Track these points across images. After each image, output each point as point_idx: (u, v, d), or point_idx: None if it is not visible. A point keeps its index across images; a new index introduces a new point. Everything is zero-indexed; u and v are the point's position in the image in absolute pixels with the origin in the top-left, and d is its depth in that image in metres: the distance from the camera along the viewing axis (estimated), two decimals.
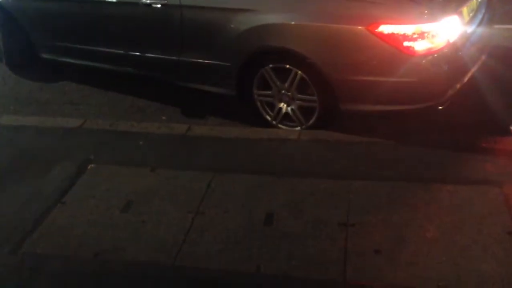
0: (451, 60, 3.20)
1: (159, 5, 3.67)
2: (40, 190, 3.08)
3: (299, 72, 3.36)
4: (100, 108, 4.23)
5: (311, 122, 3.52)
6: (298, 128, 3.57)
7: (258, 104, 3.66)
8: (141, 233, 2.70)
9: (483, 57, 3.60)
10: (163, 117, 4.01)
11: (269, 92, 3.57)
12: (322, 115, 3.45)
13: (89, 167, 3.29)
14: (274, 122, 3.66)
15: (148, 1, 3.69)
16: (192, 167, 3.21)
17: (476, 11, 3.54)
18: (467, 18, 3.37)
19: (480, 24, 3.54)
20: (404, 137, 3.36)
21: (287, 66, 3.39)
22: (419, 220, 2.61)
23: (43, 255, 2.61)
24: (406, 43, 3.05)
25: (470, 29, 3.40)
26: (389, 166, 3.08)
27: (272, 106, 3.64)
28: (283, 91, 3.52)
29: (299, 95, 3.48)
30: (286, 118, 3.62)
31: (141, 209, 2.88)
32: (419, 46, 3.07)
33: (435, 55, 3.12)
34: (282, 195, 2.88)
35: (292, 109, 3.56)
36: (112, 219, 2.82)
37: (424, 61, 3.11)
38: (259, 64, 3.49)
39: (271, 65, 3.44)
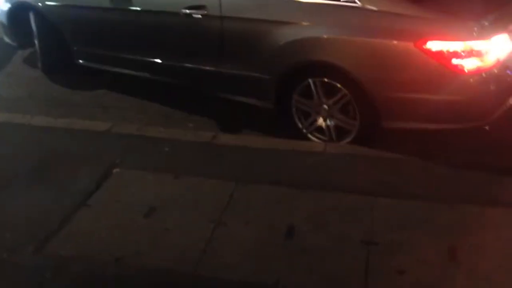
0: (500, 80, 3.12)
1: (199, 16, 3.67)
2: (66, 192, 3.13)
3: (342, 88, 3.31)
4: (129, 112, 4.27)
5: (343, 142, 3.48)
6: (348, 138, 3.50)
7: (294, 110, 3.61)
8: (162, 239, 2.71)
9: None
10: (190, 124, 4.04)
11: (310, 101, 3.51)
12: (357, 138, 3.41)
13: (114, 171, 3.33)
14: (304, 131, 3.63)
15: (188, 11, 3.70)
16: (216, 175, 3.21)
17: None
18: None
19: None
20: (434, 155, 3.29)
21: (329, 80, 3.35)
22: (445, 242, 2.55)
23: (66, 257, 2.64)
24: (454, 61, 2.99)
25: None
26: (416, 184, 3.03)
27: (307, 115, 3.60)
28: (324, 105, 3.48)
29: (339, 115, 3.44)
30: (318, 130, 3.59)
31: (164, 215, 2.89)
32: (468, 64, 2.99)
33: (484, 74, 3.05)
34: (305, 208, 2.86)
35: (327, 125, 3.52)
36: (135, 225, 2.84)
37: (472, 80, 3.04)
38: (302, 76, 3.45)
39: (313, 79, 3.41)
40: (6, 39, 5.09)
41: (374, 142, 3.40)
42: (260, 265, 2.50)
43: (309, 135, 3.62)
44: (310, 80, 3.42)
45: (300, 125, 3.63)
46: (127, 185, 3.19)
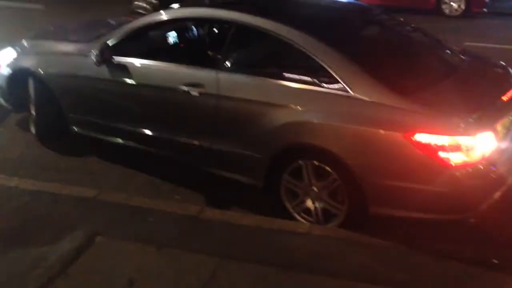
0: (485, 175, 3.19)
1: (196, 93, 3.78)
2: (46, 257, 3.09)
3: (332, 172, 3.37)
4: (117, 180, 4.29)
5: (329, 225, 3.50)
6: (332, 223, 3.52)
7: (283, 190, 3.64)
8: None
9: None
10: (177, 196, 4.05)
11: (299, 182, 3.56)
12: (344, 222, 3.43)
13: (97, 240, 3.30)
14: (291, 211, 3.65)
15: (186, 88, 3.81)
16: (200, 250, 3.19)
17: (510, 129, 3.52)
18: (501, 134, 3.37)
19: None
20: (417, 242, 3.31)
21: (320, 164, 3.41)
22: None
23: None
24: (441, 154, 3.07)
25: (504, 145, 3.38)
26: (397, 271, 3.01)
27: (295, 195, 3.63)
28: (313, 188, 3.53)
29: (328, 198, 3.48)
30: (305, 211, 3.61)
31: None
32: (454, 158, 3.07)
33: (470, 168, 3.12)
34: None
35: (315, 207, 3.55)
36: None
37: (458, 173, 3.11)
38: (293, 158, 3.51)
39: (304, 161, 3.47)
40: (2, 102, 5.18)
41: (359, 227, 3.42)
42: None
43: (296, 215, 3.64)
44: (301, 162, 3.48)
45: (288, 205, 3.66)
46: (108, 255, 3.15)
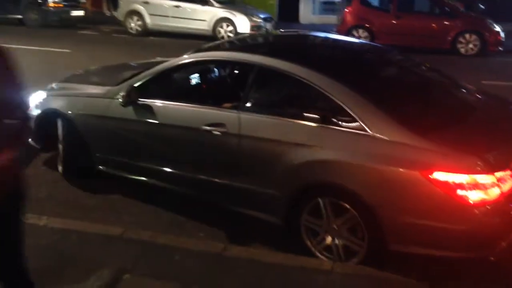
0: (504, 213, 3.21)
1: (219, 133, 3.90)
2: None
3: (352, 209, 3.43)
4: (141, 218, 4.38)
5: (350, 262, 3.53)
6: (355, 259, 3.55)
7: (303, 229, 3.69)
8: None
9: None
10: (201, 234, 4.11)
11: (320, 220, 3.61)
12: (365, 259, 3.46)
13: (124, 277, 3.37)
14: (313, 249, 3.68)
15: (209, 128, 3.94)
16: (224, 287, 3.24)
17: None
18: None
19: None
20: (441, 280, 3.33)
21: (340, 201, 3.47)
22: None
23: None
24: (459, 192, 3.11)
25: None
26: None
27: (315, 234, 3.68)
28: (333, 225, 3.57)
29: (348, 235, 3.52)
30: (326, 248, 3.65)
31: None
32: (473, 196, 3.11)
33: (488, 206, 3.15)
34: None
35: (335, 244, 3.59)
36: None
37: (477, 211, 3.14)
38: (313, 196, 3.59)
39: (324, 199, 3.54)
40: (31, 142, 5.37)
41: (381, 264, 3.44)
42: None
43: (317, 253, 3.68)
44: (321, 200, 3.55)
45: (308, 243, 3.70)
46: None
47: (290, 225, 3.76)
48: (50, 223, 4.08)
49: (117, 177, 4.76)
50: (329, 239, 3.62)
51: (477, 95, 4.22)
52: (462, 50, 13.32)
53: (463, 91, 4.27)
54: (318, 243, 3.67)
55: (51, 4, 16.72)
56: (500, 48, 13.31)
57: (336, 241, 3.59)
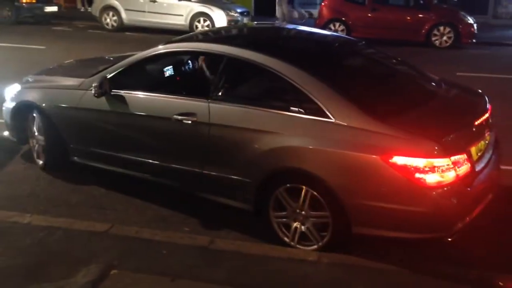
0: (460, 195, 3.37)
1: (189, 122, 3.99)
2: None
3: (315, 193, 3.55)
4: (126, 214, 4.38)
5: (326, 239, 3.64)
6: (315, 246, 3.67)
7: (276, 226, 3.81)
8: None
9: (490, 196, 3.73)
10: (186, 228, 4.14)
11: (284, 213, 3.73)
12: (336, 232, 3.57)
13: (111, 273, 3.37)
14: (292, 243, 3.77)
15: (180, 117, 4.02)
16: (212, 280, 3.27)
17: (484, 151, 3.76)
18: (475, 156, 3.57)
19: (487, 164, 3.75)
20: (424, 268, 3.42)
21: (304, 187, 3.59)
22: None
23: None
24: (417, 175, 3.25)
25: (478, 167, 3.59)
26: None
27: (288, 226, 3.77)
28: (297, 211, 3.68)
29: (312, 212, 3.63)
30: (303, 237, 3.74)
31: None
32: (430, 179, 3.26)
33: (445, 188, 3.30)
34: None
35: (307, 228, 3.69)
36: None
37: (434, 193, 3.28)
38: (280, 182, 3.69)
39: (288, 185, 3.65)
40: (7, 135, 5.42)
41: (366, 252, 3.54)
42: None
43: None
44: (287, 186, 3.66)
45: (286, 240, 3.80)
46: (124, 287, 3.22)
47: (261, 213, 3.87)
48: (34, 220, 4.06)
49: (98, 172, 4.76)
50: (299, 225, 3.73)
51: (439, 84, 4.36)
52: (437, 43, 13.55)
53: (426, 80, 4.41)
54: (293, 234, 3.76)
55: (24, 0, 16.42)
56: (474, 40, 13.58)
57: (306, 224, 3.69)
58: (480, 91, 4.42)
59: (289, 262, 3.49)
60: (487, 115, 3.90)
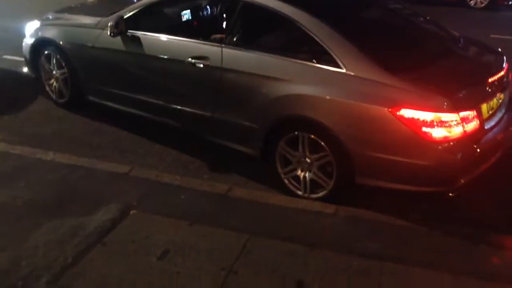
0: (465, 151, 3.35)
1: (201, 65, 3.99)
2: (83, 227, 3.24)
3: (323, 143, 3.55)
4: (147, 158, 4.42)
5: (314, 196, 3.71)
6: (325, 191, 3.69)
7: (277, 155, 3.83)
8: (175, 283, 2.79)
9: (498, 155, 3.68)
10: (205, 175, 4.17)
11: (295, 153, 3.74)
12: (341, 182, 3.60)
13: (131, 213, 3.44)
14: (282, 175, 3.85)
15: (193, 60, 4.01)
16: (229, 227, 3.31)
17: (496, 110, 3.69)
18: (486, 114, 3.52)
19: (498, 122, 3.69)
20: (440, 224, 3.42)
21: (312, 135, 3.59)
22: None
23: None
24: (424, 129, 3.23)
25: (488, 125, 3.54)
26: (420, 252, 3.12)
27: (297, 178, 3.80)
28: (303, 159, 3.71)
29: (314, 156, 3.65)
30: (294, 178, 3.80)
31: (177, 259, 2.98)
32: (437, 133, 3.24)
33: (451, 143, 3.28)
34: (314, 267, 2.94)
35: (314, 173, 3.72)
36: (148, 266, 2.92)
37: (440, 147, 3.27)
38: (289, 129, 3.69)
39: (298, 133, 3.64)
40: (27, 70, 5.56)
41: (384, 207, 3.54)
42: None
43: (285, 180, 3.85)
44: (295, 134, 3.67)
45: (299, 193, 3.81)
46: (143, 227, 3.29)
47: (266, 157, 3.89)
48: (57, 158, 4.14)
49: (122, 115, 4.79)
50: (304, 174, 3.76)
51: (458, 41, 4.25)
52: (472, 3, 13.10)
53: (445, 37, 4.29)
54: (304, 185, 3.78)
55: None
56: (510, 2, 13.08)
57: (313, 170, 3.71)
58: (499, 49, 4.29)
59: (306, 213, 3.50)
60: (502, 73, 3.80)
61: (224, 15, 5.06)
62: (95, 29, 4.70)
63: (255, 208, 3.58)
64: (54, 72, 5.14)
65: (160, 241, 3.14)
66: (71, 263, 2.93)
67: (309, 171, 3.73)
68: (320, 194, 3.71)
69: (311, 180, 3.73)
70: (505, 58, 4.05)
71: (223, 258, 2.99)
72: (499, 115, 3.75)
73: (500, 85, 3.76)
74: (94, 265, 2.92)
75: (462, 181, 3.40)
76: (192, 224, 3.33)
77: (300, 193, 3.81)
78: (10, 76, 6.37)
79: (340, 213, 3.51)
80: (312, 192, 3.75)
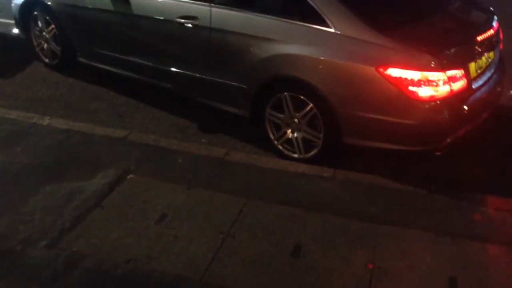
0: (452, 110, 3.33)
1: (190, 25, 3.93)
2: (81, 191, 3.24)
3: (310, 102, 3.54)
4: (144, 123, 4.39)
5: (309, 155, 3.72)
6: (315, 150, 3.69)
7: (267, 123, 3.84)
8: (172, 246, 2.80)
9: (485, 115, 3.67)
10: (203, 140, 4.15)
11: (281, 115, 3.74)
12: (323, 151, 3.64)
13: (128, 177, 3.43)
14: (275, 142, 3.85)
15: (182, 20, 3.96)
16: (228, 190, 3.31)
17: (484, 69, 3.66)
18: (474, 73, 3.49)
19: (486, 82, 3.66)
20: (438, 187, 3.41)
21: (300, 96, 3.58)
22: (444, 271, 2.65)
23: (78, 253, 2.73)
24: (411, 88, 3.21)
25: (475, 85, 3.52)
26: (417, 215, 3.13)
27: (278, 128, 3.82)
28: (293, 119, 3.70)
29: (306, 127, 3.65)
30: (287, 142, 3.81)
31: (175, 223, 2.99)
32: (423, 92, 3.22)
33: (438, 102, 3.26)
34: (312, 229, 2.95)
35: (296, 137, 3.73)
36: (146, 229, 2.93)
37: (426, 106, 3.26)
38: (276, 90, 3.68)
39: (286, 93, 3.63)
40: (16, 31, 5.54)
41: (381, 172, 3.53)
42: (265, 279, 2.59)
43: (280, 147, 3.85)
44: (283, 94, 3.65)
45: (272, 136, 3.86)
46: (140, 191, 3.29)
47: (256, 118, 3.89)
48: (54, 123, 4.11)
49: (119, 80, 4.74)
50: (289, 133, 3.76)
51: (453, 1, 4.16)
52: None
53: None
54: (280, 136, 3.81)
55: None
56: None
57: (296, 134, 3.73)
58: (491, 8, 4.20)
59: (304, 177, 3.50)
60: (492, 32, 3.74)
61: None
62: None
63: (253, 172, 3.57)
64: (44, 33, 5.08)
65: (158, 205, 3.14)
66: (69, 227, 2.94)
67: (299, 131, 3.72)
68: (314, 151, 3.70)
69: (303, 139, 3.72)
70: (495, 16, 3.98)
71: (221, 221, 3.00)
72: (487, 74, 3.71)
73: (490, 44, 3.71)
74: (92, 228, 2.93)
75: (449, 140, 3.39)
76: (190, 188, 3.33)
77: (296, 155, 3.80)
78: (3, 39, 6.29)
79: (338, 176, 3.51)
80: (306, 152, 3.75)
